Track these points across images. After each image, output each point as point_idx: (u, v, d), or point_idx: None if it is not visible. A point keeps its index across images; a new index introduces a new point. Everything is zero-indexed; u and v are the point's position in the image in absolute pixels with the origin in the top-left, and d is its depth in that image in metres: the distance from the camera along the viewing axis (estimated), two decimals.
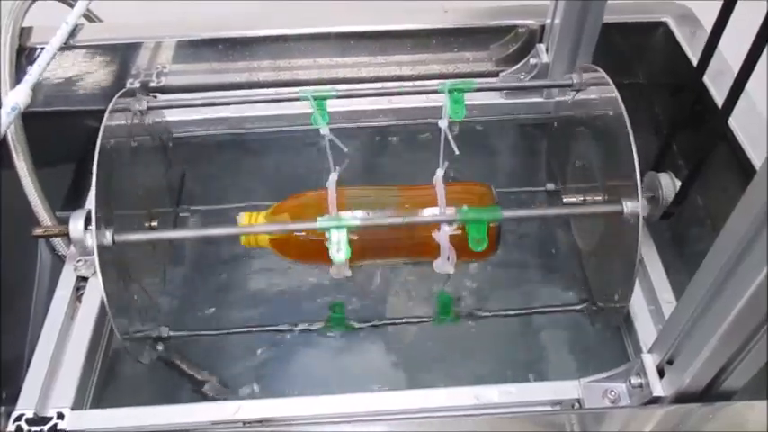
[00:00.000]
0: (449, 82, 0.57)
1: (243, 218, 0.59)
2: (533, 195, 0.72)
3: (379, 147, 0.77)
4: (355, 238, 0.56)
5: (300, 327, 0.60)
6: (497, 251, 0.59)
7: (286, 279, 0.72)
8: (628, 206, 0.52)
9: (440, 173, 0.57)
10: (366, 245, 0.58)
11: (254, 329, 0.62)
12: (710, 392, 0.43)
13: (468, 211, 0.53)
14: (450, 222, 0.54)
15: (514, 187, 0.72)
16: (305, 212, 0.58)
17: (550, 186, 0.70)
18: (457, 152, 0.55)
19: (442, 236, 0.54)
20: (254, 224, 0.58)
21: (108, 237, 0.51)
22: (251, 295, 0.72)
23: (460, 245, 0.56)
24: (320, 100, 0.56)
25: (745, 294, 0.36)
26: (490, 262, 0.64)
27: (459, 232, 0.53)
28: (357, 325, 0.61)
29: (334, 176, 0.56)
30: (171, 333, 0.59)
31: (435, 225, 0.55)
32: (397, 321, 0.64)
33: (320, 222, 0.52)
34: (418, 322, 0.62)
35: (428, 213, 0.58)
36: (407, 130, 0.74)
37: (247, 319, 0.70)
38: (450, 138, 0.56)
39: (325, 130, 0.56)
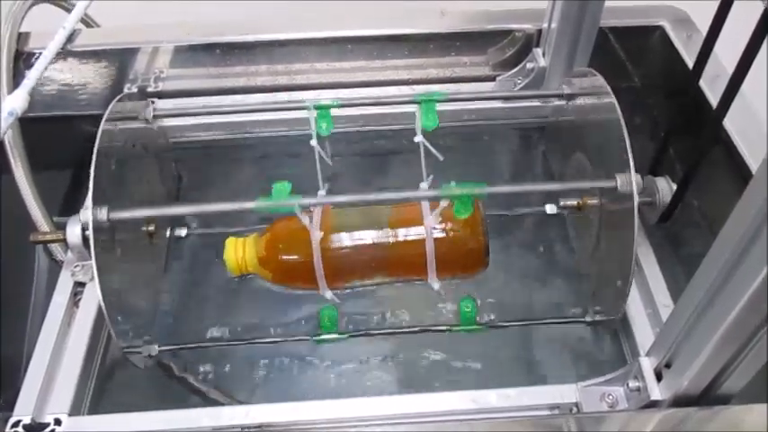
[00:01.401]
0: (420, 92, 0.57)
1: (229, 244, 0.59)
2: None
3: (373, 150, 0.77)
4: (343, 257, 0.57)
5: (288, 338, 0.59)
6: (487, 267, 0.59)
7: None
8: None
9: (424, 185, 0.57)
10: (353, 269, 0.58)
11: (251, 341, 0.61)
12: (708, 396, 0.43)
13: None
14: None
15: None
16: (291, 237, 0.58)
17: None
18: (441, 157, 0.56)
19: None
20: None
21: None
22: (253, 298, 0.71)
23: (449, 258, 0.57)
24: (323, 109, 0.57)
25: (743, 297, 0.36)
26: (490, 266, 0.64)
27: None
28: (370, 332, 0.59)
29: (321, 192, 0.56)
30: (163, 347, 0.59)
31: (422, 245, 0.56)
32: (412, 329, 0.59)
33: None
34: (437, 330, 0.58)
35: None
36: (402, 135, 0.74)
37: (247, 325, 0.70)
38: (423, 149, 0.56)
39: (314, 142, 0.56)
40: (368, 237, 0.58)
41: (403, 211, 0.60)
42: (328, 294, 0.58)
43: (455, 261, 0.59)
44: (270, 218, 0.61)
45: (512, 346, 0.69)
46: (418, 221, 0.58)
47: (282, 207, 0.52)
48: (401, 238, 0.58)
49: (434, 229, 0.57)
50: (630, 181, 0.51)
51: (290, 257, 0.58)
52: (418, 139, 0.56)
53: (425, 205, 0.57)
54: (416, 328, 0.59)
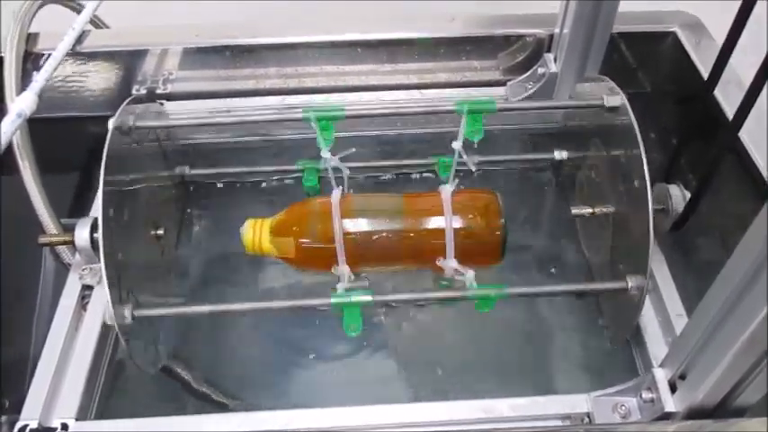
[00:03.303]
0: (467, 102, 0.56)
1: (247, 225, 0.58)
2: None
3: (388, 153, 0.76)
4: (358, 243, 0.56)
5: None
6: (502, 261, 0.59)
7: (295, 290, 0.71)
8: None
9: (449, 187, 0.57)
10: (370, 252, 0.58)
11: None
12: (723, 408, 0.43)
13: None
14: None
15: (523, 196, 0.72)
16: (309, 222, 0.58)
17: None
18: (474, 168, 0.56)
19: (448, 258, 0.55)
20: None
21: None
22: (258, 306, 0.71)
23: (463, 249, 0.56)
24: (324, 121, 0.55)
25: (761, 310, 0.35)
26: (497, 274, 0.63)
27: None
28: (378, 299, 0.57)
29: (337, 193, 0.56)
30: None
31: (441, 237, 0.55)
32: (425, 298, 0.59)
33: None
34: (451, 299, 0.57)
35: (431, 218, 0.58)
36: (416, 138, 0.74)
37: (253, 328, 0.69)
38: (465, 158, 0.56)
39: (326, 154, 0.56)
40: (386, 222, 0.58)
41: (422, 198, 0.60)
42: (345, 276, 0.57)
43: (471, 251, 0.58)
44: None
45: (520, 354, 0.68)
46: (437, 210, 0.57)
47: None
48: (419, 226, 0.58)
49: (453, 217, 0.56)
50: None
51: (307, 239, 0.57)
52: (457, 145, 0.56)
53: (446, 197, 0.57)
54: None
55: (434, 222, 0.57)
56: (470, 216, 0.57)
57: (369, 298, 0.53)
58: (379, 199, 0.62)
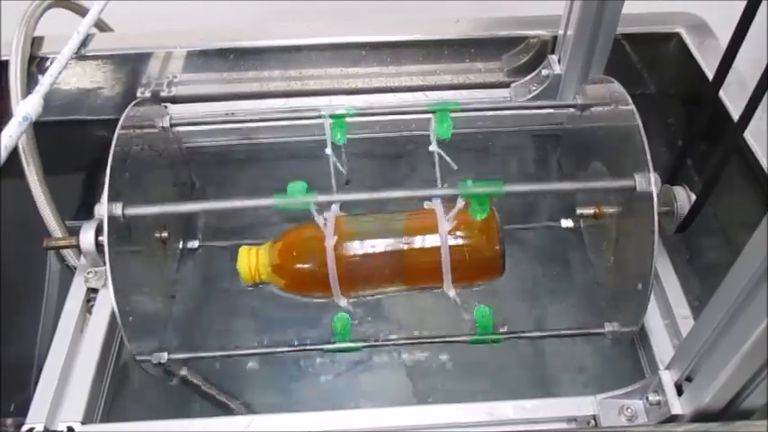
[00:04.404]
0: (435, 100, 0.57)
1: (242, 253, 0.58)
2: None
3: (387, 156, 0.76)
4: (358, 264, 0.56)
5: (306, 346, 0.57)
6: (503, 274, 0.59)
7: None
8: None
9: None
10: (367, 273, 0.58)
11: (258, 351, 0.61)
12: (730, 411, 0.42)
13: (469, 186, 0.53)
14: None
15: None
16: (304, 245, 0.58)
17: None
18: (455, 167, 0.56)
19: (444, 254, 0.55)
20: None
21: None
22: (263, 308, 0.71)
23: (465, 265, 0.56)
24: (338, 118, 0.57)
25: None
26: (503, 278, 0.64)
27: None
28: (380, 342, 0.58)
29: (335, 207, 0.56)
30: (175, 356, 0.58)
31: (437, 252, 0.55)
32: (433, 340, 0.57)
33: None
34: (454, 341, 0.56)
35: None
36: (416, 141, 0.74)
37: (258, 331, 0.69)
38: (438, 158, 0.56)
39: (329, 151, 0.57)
40: (382, 244, 0.58)
41: (417, 218, 0.60)
42: (342, 302, 0.57)
43: (471, 268, 0.58)
44: (285, 220, 0.61)
45: (524, 358, 0.68)
46: (433, 229, 0.57)
47: (298, 205, 0.52)
48: (416, 246, 0.58)
49: (450, 235, 0.56)
50: (649, 180, 0.51)
51: (304, 265, 0.58)
52: (433, 148, 0.56)
53: (440, 212, 0.57)
54: (431, 339, 0.58)
55: (431, 241, 0.57)
56: (468, 233, 0.57)
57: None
58: (373, 222, 0.60)
